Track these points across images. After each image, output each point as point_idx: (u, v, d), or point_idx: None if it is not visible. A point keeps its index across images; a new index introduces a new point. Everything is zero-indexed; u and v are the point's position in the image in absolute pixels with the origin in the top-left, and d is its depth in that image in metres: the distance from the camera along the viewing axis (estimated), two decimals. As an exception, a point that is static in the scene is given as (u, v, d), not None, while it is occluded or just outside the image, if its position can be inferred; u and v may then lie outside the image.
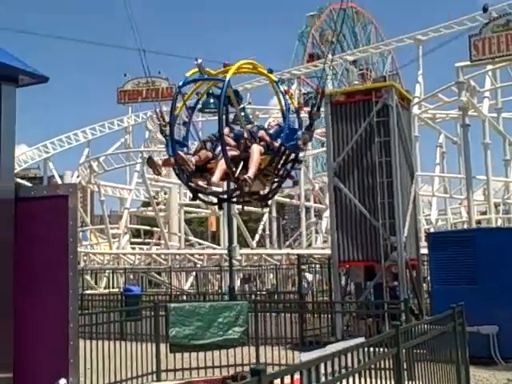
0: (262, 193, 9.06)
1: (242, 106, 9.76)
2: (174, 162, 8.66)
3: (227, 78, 8.32)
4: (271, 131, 8.97)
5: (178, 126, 9.10)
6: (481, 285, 11.38)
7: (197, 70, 8.77)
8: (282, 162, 8.72)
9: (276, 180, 8.98)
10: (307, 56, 64.06)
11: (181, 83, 8.81)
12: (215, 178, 8.41)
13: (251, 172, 8.23)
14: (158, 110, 9.19)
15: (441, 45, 38.30)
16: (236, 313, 9.91)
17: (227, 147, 8.29)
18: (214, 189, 8.65)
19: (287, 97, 8.87)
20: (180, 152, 8.54)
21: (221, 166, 8.34)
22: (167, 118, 8.74)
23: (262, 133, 8.88)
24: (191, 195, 9.55)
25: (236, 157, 8.47)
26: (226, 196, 9.42)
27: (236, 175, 8.29)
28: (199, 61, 8.76)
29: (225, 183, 9.77)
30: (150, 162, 8.91)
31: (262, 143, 8.53)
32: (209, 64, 9.12)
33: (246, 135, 8.71)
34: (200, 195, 9.09)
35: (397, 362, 5.03)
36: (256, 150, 8.41)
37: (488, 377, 10.00)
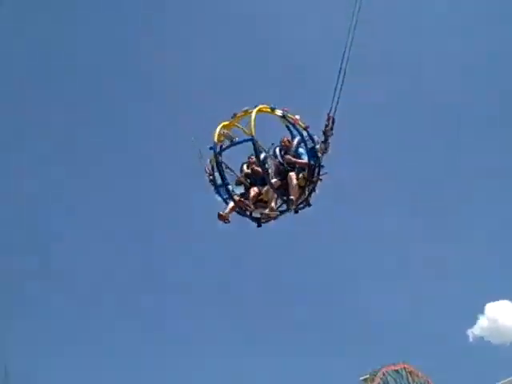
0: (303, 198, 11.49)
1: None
2: (236, 206, 11.35)
3: (252, 137, 10.86)
4: (293, 149, 11.62)
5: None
6: None
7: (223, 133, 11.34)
8: (311, 171, 11.25)
9: (311, 186, 11.44)
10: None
11: (217, 150, 11.23)
12: (273, 206, 11.17)
13: (293, 196, 10.96)
14: (207, 168, 11.56)
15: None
16: None
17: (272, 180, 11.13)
18: (273, 214, 11.17)
19: (297, 126, 11.50)
20: (241, 199, 11.30)
21: (273, 198, 11.13)
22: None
23: (287, 158, 11.48)
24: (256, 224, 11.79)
25: (279, 187, 11.12)
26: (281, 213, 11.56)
27: (284, 198, 10.99)
28: (225, 131, 11.37)
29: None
30: (220, 217, 11.32)
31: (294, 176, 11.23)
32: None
33: (273, 162, 11.52)
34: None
35: None
36: (292, 178, 11.12)
37: None
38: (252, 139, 10.85)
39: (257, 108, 11.37)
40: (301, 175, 11.32)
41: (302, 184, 11.22)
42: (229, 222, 11.49)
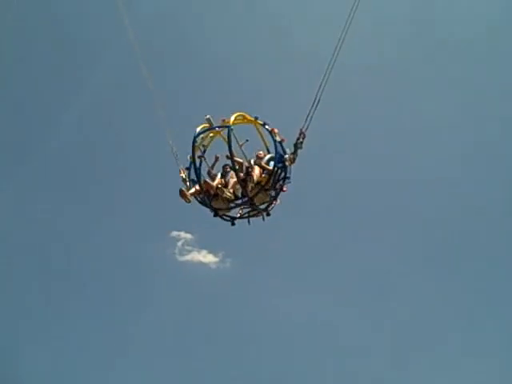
0: (263, 206, 12.38)
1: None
2: (200, 188, 12.04)
3: (230, 125, 11.79)
4: (265, 159, 12.51)
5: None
6: None
7: (206, 124, 12.30)
8: (275, 178, 12.04)
9: (273, 194, 12.23)
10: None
11: (196, 134, 12.16)
12: (231, 186, 12.05)
13: (254, 177, 11.82)
14: (181, 169, 12.74)
15: None
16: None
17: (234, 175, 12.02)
18: (231, 205, 12.15)
19: (273, 134, 12.49)
20: (206, 179, 12.15)
21: (234, 181, 12.02)
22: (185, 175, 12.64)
23: (258, 161, 12.34)
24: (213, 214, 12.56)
25: (243, 178, 11.92)
26: (238, 204, 12.55)
27: (245, 187, 11.77)
28: (207, 116, 12.23)
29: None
30: (182, 194, 12.02)
31: (259, 169, 12.18)
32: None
33: (246, 163, 12.40)
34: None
35: None
36: (256, 168, 11.93)
37: None
38: (229, 127, 11.86)
39: (237, 114, 12.41)
40: (264, 173, 12.27)
41: (264, 181, 12.16)
42: (190, 202, 12.28)
